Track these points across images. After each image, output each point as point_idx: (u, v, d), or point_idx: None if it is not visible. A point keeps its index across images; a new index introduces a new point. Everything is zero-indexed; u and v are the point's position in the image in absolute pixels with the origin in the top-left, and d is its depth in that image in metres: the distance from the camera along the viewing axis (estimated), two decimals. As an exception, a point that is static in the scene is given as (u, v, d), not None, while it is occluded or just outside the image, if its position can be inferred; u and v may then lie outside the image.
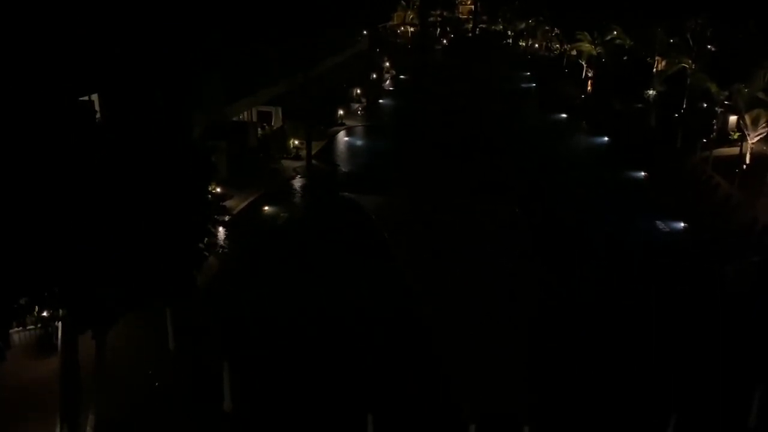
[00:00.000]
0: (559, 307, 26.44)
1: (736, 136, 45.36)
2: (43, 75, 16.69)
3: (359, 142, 53.80)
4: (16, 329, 21.14)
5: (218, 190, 32.94)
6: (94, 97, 27.71)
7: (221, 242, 30.37)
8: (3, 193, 13.77)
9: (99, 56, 26.25)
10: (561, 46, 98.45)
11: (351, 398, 20.19)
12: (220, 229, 28.89)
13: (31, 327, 21.47)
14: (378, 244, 32.12)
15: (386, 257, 30.62)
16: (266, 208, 36.38)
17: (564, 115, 64.65)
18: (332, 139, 52.57)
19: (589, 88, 73.24)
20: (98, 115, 17.77)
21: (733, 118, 47.22)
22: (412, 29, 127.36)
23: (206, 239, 18.41)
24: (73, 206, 14.30)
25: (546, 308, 26.22)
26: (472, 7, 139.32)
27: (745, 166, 40.34)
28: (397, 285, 27.72)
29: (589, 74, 74.76)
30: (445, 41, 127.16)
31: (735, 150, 42.88)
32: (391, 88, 77.24)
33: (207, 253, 18.86)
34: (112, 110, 23.38)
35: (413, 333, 24.23)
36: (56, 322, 17.64)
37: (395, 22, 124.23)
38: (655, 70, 61.42)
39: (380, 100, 69.53)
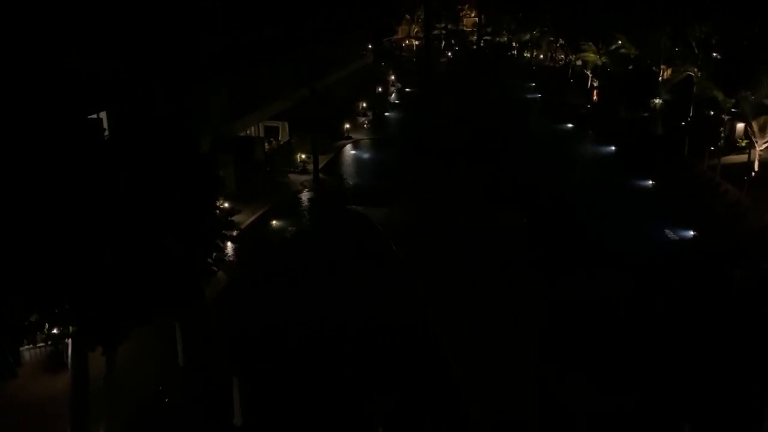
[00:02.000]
0: (567, 317, 26.34)
1: (743, 144, 45.19)
2: (51, 93, 16.88)
3: (366, 155, 53.98)
4: (27, 347, 21.25)
5: (226, 204, 33.07)
6: (103, 114, 27.98)
7: (229, 256, 30.44)
8: (13, 210, 13.90)
9: (105, 71, 26.55)
10: (566, 57, 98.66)
11: (362, 411, 20.14)
12: (228, 243, 28.96)
13: (42, 344, 21.56)
14: (386, 255, 32.15)
15: (394, 268, 30.63)
16: (274, 221, 36.50)
17: (570, 125, 64.69)
18: (339, 152, 52.77)
19: (594, 97, 73.26)
20: (106, 133, 17.98)
21: (740, 126, 47.05)
22: (417, 42, 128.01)
23: (214, 254, 18.50)
24: (82, 222, 14.41)
25: (553, 317, 26.13)
26: (476, 19, 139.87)
27: (753, 174, 40.16)
28: (405, 296, 27.71)
29: (595, 84, 74.80)
30: (449, 54, 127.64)
31: (743, 157, 42.71)
32: (396, 101, 77.55)
33: (215, 268, 18.93)
34: (120, 127, 23.61)
35: (423, 344, 24.18)
36: (66, 339, 17.72)
37: (400, 36, 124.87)
38: (660, 78, 61.39)
39: (386, 113, 69.77)
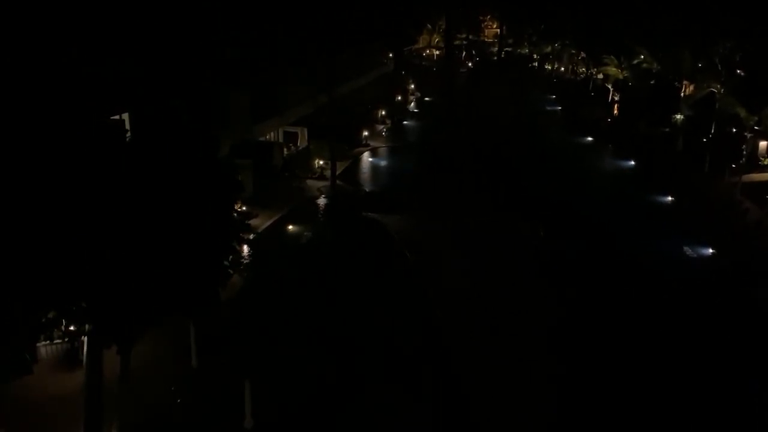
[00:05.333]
0: (582, 334, 26.14)
1: (766, 162, 44.69)
2: (74, 94, 17.10)
3: (383, 163, 54.05)
4: (43, 343, 21.47)
5: (243, 208, 33.22)
6: (125, 116, 28.30)
7: (245, 260, 30.58)
8: (34, 210, 14.07)
9: (128, 73, 26.84)
10: (587, 70, 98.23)
11: (373, 418, 20.10)
12: (245, 246, 29.11)
13: (58, 341, 21.78)
14: (399, 263, 32.14)
15: (408, 277, 30.62)
16: (290, 226, 36.65)
17: (590, 138, 64.33)
18: (357, 159, 52.89)
19: (615, 111, 72.84)
20: (128, 134, 18.17)
21: (763, 143, 46.59)
22: (437, 52, 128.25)
23: (231, 257, 18.59)
24: (102, 222, 14.56)
25: (568, 332, 25.95)
26: (498, 30, 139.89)
27: (776, 192, 39.68)
28: (419, 304, 27.68)
29: (616, 98, 74.40)
30: (470, 64, 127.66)
31: (765, 176, 42.23)
32: (415, 110, 77.64)
33: (231, 271, 19.02)
34: (141, 130, 23.84)
35: (435, 351, 24.13)
36: (82, 337, 17.87)
37: (421, 45, 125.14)
38: (682, 94, 60.90)
39: (405, 122, 69.87)
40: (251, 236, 25.03)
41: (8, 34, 19.01)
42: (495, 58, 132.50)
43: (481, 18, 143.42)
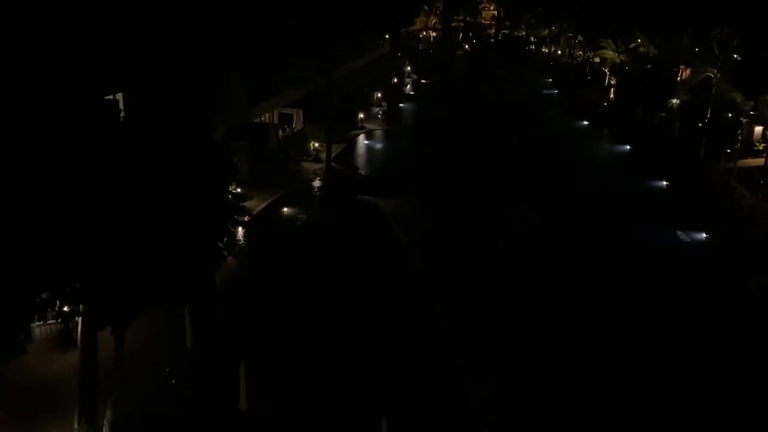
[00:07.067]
0: (575, 323, 26.27)
1: (761, 147, 44.75)
2: (68, 74, 16.93)
3: (379, 146, 53.91)
4: (38, 323, 21.44)
5: (239, 190, 33.12)
6: (119, 96, 28.08)
7: (240, 242, 30.59)
8: (28, 190, 14.00)
9: (123, 55, 26.60)
10: (584, 54, 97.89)
11: (366, 401, 20.21)
12: (240, 229, 29.09)
13: (52, 321, 21.74)
14: (395, 246, 32.18)
15: (403, 260, 30.66)
16: (285, 209, 36.59)
17: (585, 123, 64.28)
18: (352, 142, 52.74)
19: (611, 95, 72.76)
20: (122, 114, 18.04)
21: (758, 129, 46.59)
22: (434, 34, 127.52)
23: (226, 239, 18.54)
24: (96, 204, 14.49)
25: (562, 322, 26.05)
26: (495, 12, 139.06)
27: (770, 178, 39.74)
28: (413, 288, 27.74)
29: (612, 82, 74.28)
30: (467, 46, 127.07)
31: (760, 161, 42.27)
32: (412, 93, 77.31)
33: (226, 253, 18.98)
34: (136, 110, 23.66)
35: (430, 337, 24.21)
36: (77, 318, 17.85)
37: (418, 27, 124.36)
38: (679, 78, 60.81)
39: (401, 104, 69.63)
40: (246, 218, 24.96)
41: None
42: (492, 40, 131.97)
43: (479, 0, 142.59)
